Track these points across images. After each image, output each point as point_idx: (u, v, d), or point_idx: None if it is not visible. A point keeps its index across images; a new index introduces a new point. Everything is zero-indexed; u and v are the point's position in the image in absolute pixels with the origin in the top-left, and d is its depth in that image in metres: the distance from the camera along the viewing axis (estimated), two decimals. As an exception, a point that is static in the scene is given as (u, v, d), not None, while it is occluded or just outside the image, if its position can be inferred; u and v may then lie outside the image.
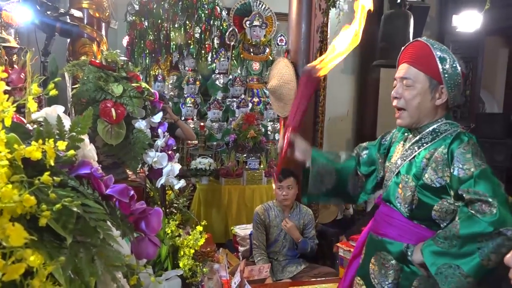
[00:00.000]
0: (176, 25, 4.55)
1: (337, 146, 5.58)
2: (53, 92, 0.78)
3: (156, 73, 4.66)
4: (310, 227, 3.14)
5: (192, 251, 1.62)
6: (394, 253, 1.57)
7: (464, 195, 1.39)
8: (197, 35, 4.64)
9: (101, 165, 1.71)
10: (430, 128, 1.54)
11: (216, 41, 4.76)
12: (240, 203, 4.23)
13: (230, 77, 4.83)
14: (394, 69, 5.13)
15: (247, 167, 4.37)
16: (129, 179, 1.84)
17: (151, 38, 4.50)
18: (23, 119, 0.81)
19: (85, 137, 0.79)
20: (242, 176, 4.27)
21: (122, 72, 1.69)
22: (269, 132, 4.79)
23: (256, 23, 4.78)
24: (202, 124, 4.53)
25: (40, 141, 0.63)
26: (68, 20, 2.40)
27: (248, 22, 4.79)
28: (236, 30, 4.76)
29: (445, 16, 5.73)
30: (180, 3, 4.49)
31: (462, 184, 1.39)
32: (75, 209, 0.61)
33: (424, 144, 1.53)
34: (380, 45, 4.78)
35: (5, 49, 1.75)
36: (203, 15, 4.60)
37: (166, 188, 2.14)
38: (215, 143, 4.63)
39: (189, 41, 4.64)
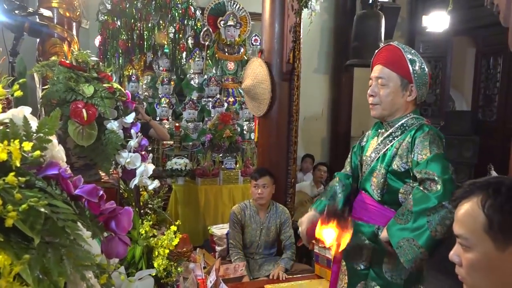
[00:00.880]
0: (149, 25, 4.51)
1: (312, 145, 5.66)
2: (18, 93, 0.77)
3: (130, 73, 4.61)
4: (286, 226, 3.17)
5: (167, 251, 1.63)
6: (367, 233, 1.78)
7: (417, 175, 1.61)
8: (171, 35, 4.61)
9: (73, 167, 1.70)
10: (399, 123, 1.75)
11: (190, 41, 4.74)
12: (217, 203, 4.24)
13: (205, 77, 4.82)
14: (367, 68, 5.22)
15: (223, 166, 4.38)
16: (102, 180, 1.82)
17: (124, 38, 4.45)
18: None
19: (53, 138, 0.79)
20: (219, 176, 4.27)
21: (93, 72, 1.68)
22: (245, 132, 4.80)
23: (230, 23, 4.79)
24: (177, 124, 4.50)
25: (6, 142, 0.63)
26: (37, 20, 2.36)
27: (222, 22, 4.80)
28: (211, 30, 4.76)
29: (415, 16, 5.88)
30: (154, 2, 4.46)
31: (418, 166, 1.61)
32: (42, 209, 0.62)
33: (395, 138, 1.75)
34: (353, 44, 4.88)
35: (-29, 50, 1.71)
36: (176, 14, 4.58)
37: (140, 189, 2.13)
38: (190, 143, 4.61)
39: (163, 41, 4.61)
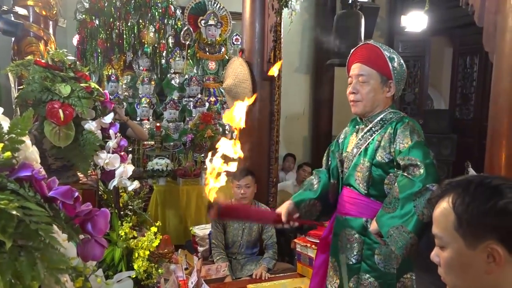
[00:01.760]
0: (129, 24, 4.45)
1: (294, 144, 5.68)
2: (-12, 93, 0.75)
3: (109, 73, 4.55)
4: (268, 225, 3.17)
5: (147, 252, 1.61)
6: (356, 227, 1.82)
7: (400, 162, 1.68)
8: (151, 34, 4.56)
9: (50, 168, 1.67)
10: (379, 118, 1.81)
11: (171, 40, 4.70)
12: (198, 203, 4.20)
13: (186, 76, 4.79)
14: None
15: (205, 166, 4.34)
16: (80, 182, 1.79)
17: (103, 37, 4.38)
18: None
19: (26, 139, 0.77)
20: (200, 176, 4.24)
21: (70, 72, 1.65)
22: (226, 132, 4.78)
23: (211, 22, 4.77)
24: (158, 124, 4.45)
25: (-25, 143, 0.61)
26: (12, 18, 2.30)
27: (203, 21, 4.77)
28: (191, 29, 4.73)
29: (394, 16, 5.96)
30: (133, 1, 4.40)
31: (401, 154, 1.68)
32: (14, 212, 0.60)
33: (375, 132, 1.80)
34: (333, 44, 4.91)
35: None
36: (156, 13, 4.53)
37: (120, 190, 2.10)
38: (172, 143, 4.58)
39: (143, 40, 4.56)
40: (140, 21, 4.52)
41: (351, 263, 1.84)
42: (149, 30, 4.53)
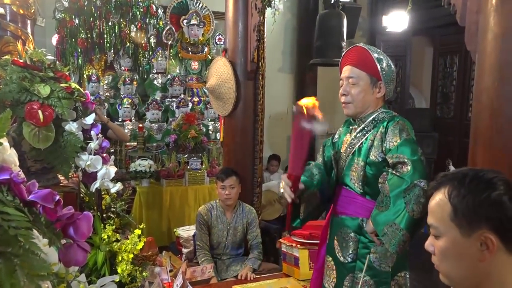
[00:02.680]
0: (109, 23, 4.38)
1: (278, 144, 5.68)
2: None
3: (90, 73, 4.46)
4: (253, 226, 3.16)
5: (131, 255, 1.58)
6: (352, 226, 1.85)
7: (389, 160, 1.72)
8: (132, 34, 4.50)
9: (30, 171, 1.63)
10: (371, 118, 1.85)
11: (152, 40, 4.65)
12: (182, 204, 4.17)
13: (169, 76, 4.74)
14: (330, 67, 5.28)
15: (188, 167, 4.32)
16: (61, 184, 1.75)
17: (83, 36, 4.30)
18: None
19: (4, 141, 0.74)
20: (184, 177, 4.21)
21: (49, 72, 1.61)
22: (210, 132, 4.76)
23: (193, 21, 4.73)
24: (140, 125, 4.39)
25: (-51, 146, 0.58)
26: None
27: (185, 21, 4.73)
28: (173, 29, 4.68)
29: (376, 16, 6.02)
30: (114, 0, 4.33)
31: (390, 152, 1.72)
32: (-9, 217, 0.57)
33: (368, 132, 1.84)
34: (316, 44, 4.93)
35: None
36: (138, 13, 4.47)
37: (102, 192, 2.06)
38: (155, 144, 4.52)
39: (124, 40, 4.49)
40: (121, 20, 4.45)
41: (346, 261, 1.86)
42: (131, 30, 4.47)
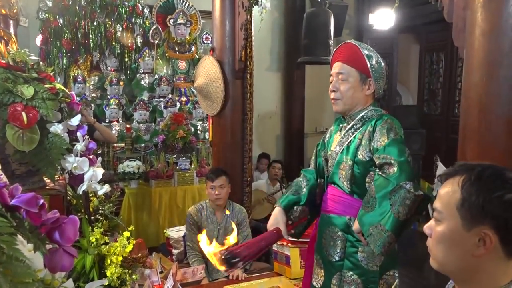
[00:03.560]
0: (95, 23, 4.32)
1: (267, 143, 5.68)
2: None
3: (76, 74, 4.39)
4: (244, 225, 3.14)
5: (120, 258, 1.56)
6: (340, 225, 1.85)
7: (376, 161, 1.71)
8: (118, 34, 4.45)
9: (14, 174, 1.59)
10: (360, 116, 1.84)
11: (139, 39, 4.60)
12: (172, 205, 4.14)
13: (156, 76, 4.69)
14: (318, 65, 5.29)
15: (177, 168, 4.28)
16: (47, 187, 1.72)
17: (68, 37, 4.24)
18: None
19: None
20: (173, 178, 4.18)
21: (32, 72, 1.57)
22: (199, 132, 4.73)
23: (180, 21, 4.69)
24: (128, 126, 4.35)
25: None
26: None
27: (172, 20, 4.69)
28: (160, 28, 4.63)
29: (362, 14, 6.05)
30: (98, 0, 4.27)
31: (378, 152, 1.71)
32: (-29, 224, 0.55)
33: (357, 130, 1.83)
34: (303, 42, 4.93)
35: None
36: (123, 12, 4.42)
37: (90, 195, 2.03)
38: (143, 145, 4.48)
39: (110, 40, 4.43)
40: (107, 20, 4.40)
41: (334, 260, 1.86)
42: (116, 30, 4.42)
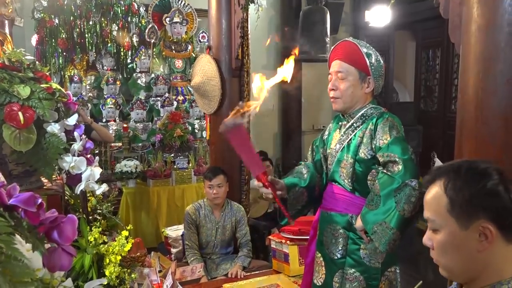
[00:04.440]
0: (90, 23, 4.31)
1: (264, 141, 5.67)
2: None
3: (72, 74, 4.38)
4: (242, 224, 3.15)
5: (119, 257, 1.55)
6: (342, 223, 1.84)
7: (380, 159, 1.71)
8: (114, 33, 4.44)
9: (11, 175, 1.58)
10: (360, 114, 1.83)
11: (135, 38, 4.59)
12: (170, 204, 4.14)
13: (153, 75, 4.69)
14: (314, 63, 5.30)
15: (175, 167, 4.28)
16: (44, 187, 1.71)
17: (64, 36, 4.22)
18: None
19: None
20: (171, 177, 4.18)
21: (28, 72, 1.57)
22: (196, 130, 4.72)
23: (176, 19, 4.68)
24: (125, 125, 4.34)
25: None
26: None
27: (168, 19, 4.67)
28: (156, 27, 4.62)
29: (358, 11, 6.05)
30: (94, -1, 4.26)
31: (381, 151, 1.71)
32: (-31, 223, 0.55)
33: (357, 128, 1.82)
34: (299, 40, 4.93)
35: None
36: (119, 11, 4.41)
37: (88, 194, 2.03)
38: (140, 144, 4.48)
39: (106, 39, 4.42)
40: (102, 19, 4.38)
41: (336, 258, 1.86)
42: (112, 29, 4.40)
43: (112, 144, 4.26)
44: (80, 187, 1.61)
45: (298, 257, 2.89)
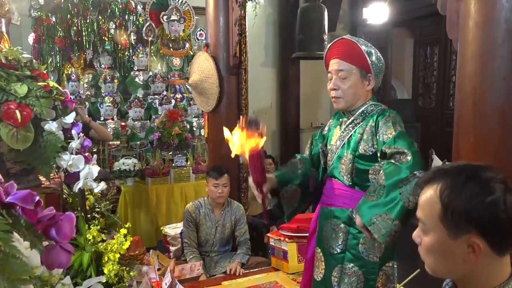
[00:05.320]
0: (88, 21, 4.29)
1: (262, 139, 5.66)
2: None
3: (69, 72, 4.37)
4: (241, 222, 3.15)
5: (117, 255, 1.55)
6: (342, 218, 1.84)
7: (386, 151, 1.68)
8: (112, 31, 4.42)
9: (9, 173, 1.58)
10: (360, 110, 1.83)
11: (132, 36, 4.57)
12: (168, 202, 4.14)
13: (150, 73, 4.68)
14: (313, 60, 5.28)
15: (173, 165, 4.28)
16: (42, 185, 1.71)
17: (61, 35, 4.21)
18: None
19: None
20: (169, 175, 4.17)
21: (25, 70, 1.56)
22: (194, 128, 4.72)
23: (173, 17, 4.67)
24: (123, 123, 4.34)
25: None
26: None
27: (165, 17, 4.66)
28: (153, 25, 4.61)
29: (356, 9, 6.04)
30: (91, -3, 4.25)
31: (386, 144, 1.69)
32: (-33, 221, 0.55)
33: (357, 124, 1.82)
34: (298, 37, 4.93)
35: None
36: (116, 9, 4.39)
37: (86, 193, 2.02)
38: (138, 142, 4.47)
39: (103, 38, 4.41)
40: (100, 17, 4.37)
41: (335, 252, 1.86)
42: (110, 27, 4.39)
43: (110, 142, 4.25)
44: (78, 185, 1.60)
45: (297, 255, 2.90)
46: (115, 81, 4.54)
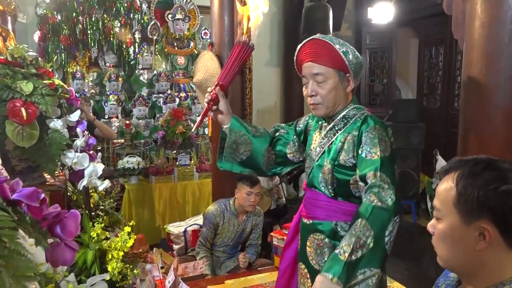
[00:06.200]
0: (93, 19, 4.31)
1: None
2: None
3: (74, 70, 4.39)
4: (258, 228, 3.14)
5: (121, 253, 1.56)
6: (326, 232, 1.68)
7: (366, 172, 1.53)
8: (117, 30, 4.44)
9: (14, 170, 1.59)
10: (341, 115, 1.67)
11: (137, 35, 4.59)
12: (172, 201, 4.15)
13: (155, 72, 4.69)
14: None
15: (177, 163, 4.29)
16: (47, 183, 1.72)
17: (66, 33, 4.22)
18: None
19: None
20: (173, 173, 4.18)
21: (31, 68, 1.57)
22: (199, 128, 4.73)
23: (178, 16, 4.68)
24: (127, 122, 4.35)
25: None
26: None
27: (170, 16, 4.68)
28: (158, 23, 4.63)
29: (361, 8, 6.03)
30: (96, -5, 4.27)
31: (368, 166, 1.54)
32: (-27, 217, 0.55)
33: (338, 131, 1.66)
34: (302, 37, 4.92)
35: None
36: (121, 8, 4.41)
37: (90, 190, 2.03)
38: (142, 141, 4.49)
39: (108, 36, 4.42)
40: (105, 15, 4.39)
41: (320, 268, 1.67)
42: (115, 25, 4.41)
43: (115, 141, 4.27)
44: (83, 183, 1.61)
45: (300, 254, 2.89)
46: (120, 79, 4.56)
